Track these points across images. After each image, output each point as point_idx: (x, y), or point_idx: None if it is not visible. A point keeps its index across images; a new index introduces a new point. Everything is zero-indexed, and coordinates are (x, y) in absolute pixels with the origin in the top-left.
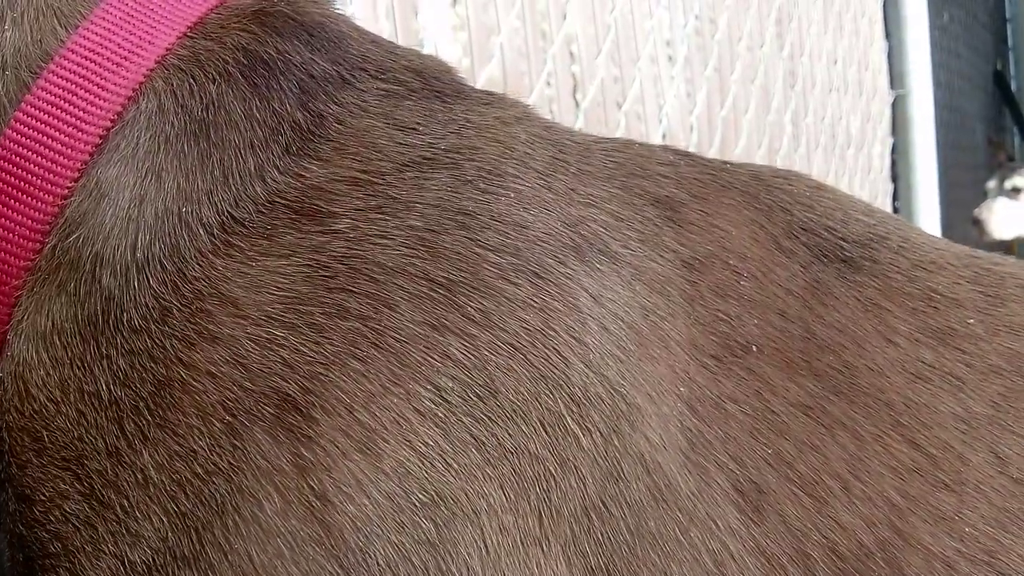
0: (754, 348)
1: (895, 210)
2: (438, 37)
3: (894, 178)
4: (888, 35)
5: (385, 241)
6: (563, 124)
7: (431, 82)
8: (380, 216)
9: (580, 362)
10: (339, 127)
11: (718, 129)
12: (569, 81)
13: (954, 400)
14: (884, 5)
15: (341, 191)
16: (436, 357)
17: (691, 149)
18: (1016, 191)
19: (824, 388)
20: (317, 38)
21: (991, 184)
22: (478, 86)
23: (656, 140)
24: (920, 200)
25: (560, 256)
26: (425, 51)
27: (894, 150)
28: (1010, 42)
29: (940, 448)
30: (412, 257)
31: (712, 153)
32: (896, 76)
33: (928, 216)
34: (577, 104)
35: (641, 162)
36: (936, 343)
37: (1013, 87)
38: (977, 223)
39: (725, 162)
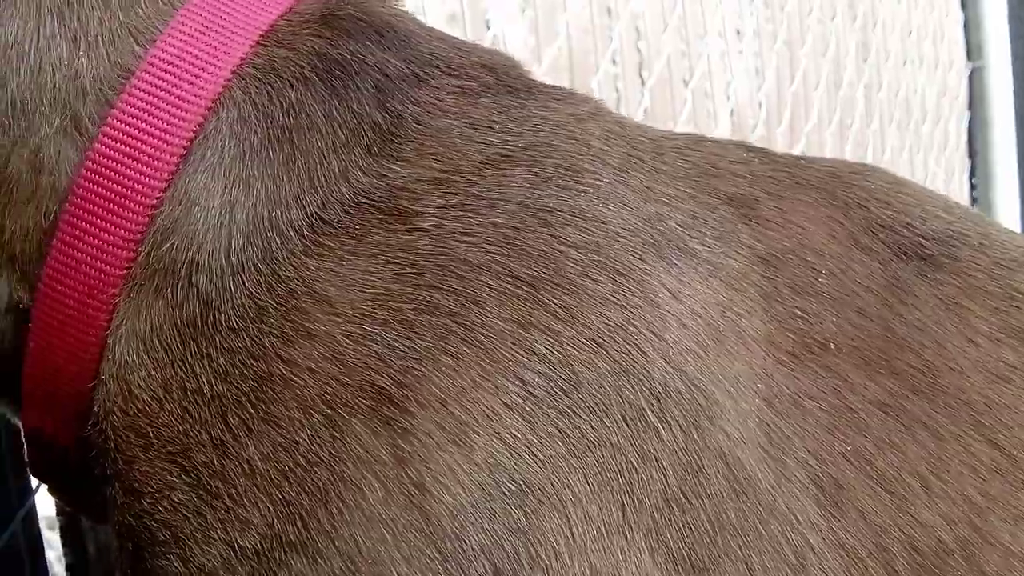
0: (832, 345)
1: (972, 187)
2: (504, 16)
3: (971, 154)
4: (964, 6)
5: (470, 239)
6: (633, 120)
7: (502, 77)
8: (463, 214)
9: (660, 357)
10: (418, 127)
11: (788, 105)
12: (635, 57)
13: None
14: None
15: (424, 190)
16: (522, 352)
17: (759, 125)
18: None
19: (903, 387)
20: (387, 37)
21: None
22: (544, 65)
23: (724, 117)
24: (998, 176)
25: (639, 253)
26: (491, 31)
27: (971, 124)
28: None
29: (1021, 448)
30: (496, 254)
31: (782, 130)
32: (973, 48)
33: (1006, 192)
34: (643, 81)
35: (714, 160)
36: (1018, 343)
37: None
38: None
39: (799, 158)
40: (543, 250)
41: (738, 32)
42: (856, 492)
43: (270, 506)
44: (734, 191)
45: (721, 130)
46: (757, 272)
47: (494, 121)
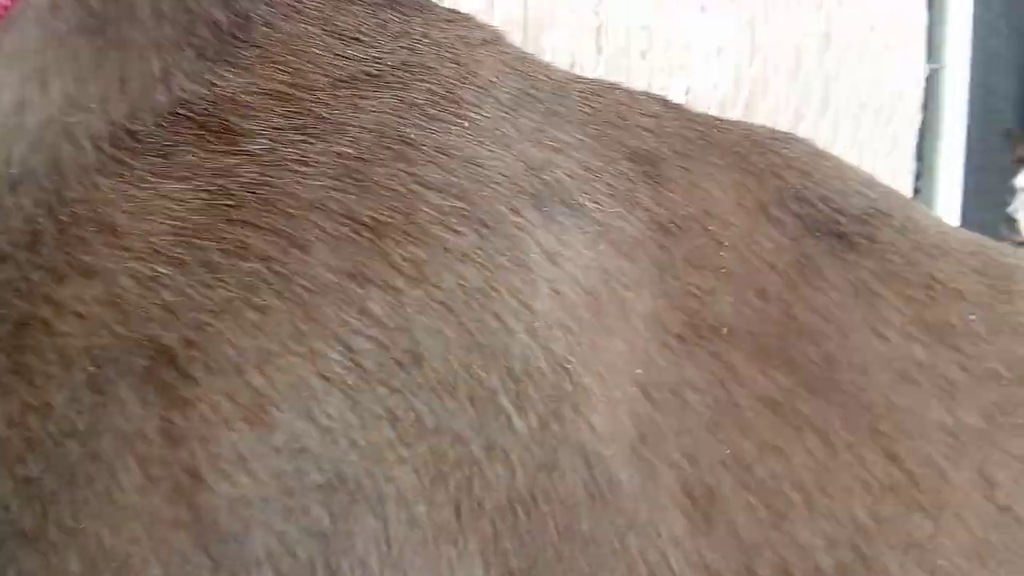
0: (724, 330)
1: (916, 191)
2: None
3: (918, 156)
4: (930, 6)
5: (305, 169)
6: (541, 58)
7: None
8: (303, 138)
9: (523, 331)
10: (266, 31)
11: (745, 86)
12: (594, 22)
13: (943, 408)
14: None
15: (260, 106)
16: (352, 313)
17: (714, 106)
18: None
19: (797, 382)
20: None
21: (1022, 182)
22: (496, 20)
23: (679, 94)
24: (942, 181)
25: (514, 203)
26: None
27: (922, 127)
28: None
29: (920, 463)
30: (335, 190)
31: (736, 112)
32: (934, 49)
33: (949, 199)
34: (599, 49)
35: (622, 110)
36: (930, 340)
37: None
38: (1011, 221)
39: (717, 119)
40: (395, 190)
41: (703, 9)
42: (729, 504)
43: (10, 485)
44: (638, 146)
45: None
46: (653, 239)
47: (363, 32)
